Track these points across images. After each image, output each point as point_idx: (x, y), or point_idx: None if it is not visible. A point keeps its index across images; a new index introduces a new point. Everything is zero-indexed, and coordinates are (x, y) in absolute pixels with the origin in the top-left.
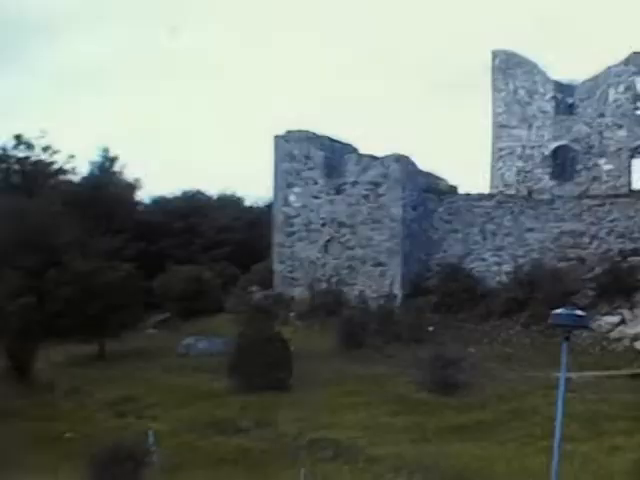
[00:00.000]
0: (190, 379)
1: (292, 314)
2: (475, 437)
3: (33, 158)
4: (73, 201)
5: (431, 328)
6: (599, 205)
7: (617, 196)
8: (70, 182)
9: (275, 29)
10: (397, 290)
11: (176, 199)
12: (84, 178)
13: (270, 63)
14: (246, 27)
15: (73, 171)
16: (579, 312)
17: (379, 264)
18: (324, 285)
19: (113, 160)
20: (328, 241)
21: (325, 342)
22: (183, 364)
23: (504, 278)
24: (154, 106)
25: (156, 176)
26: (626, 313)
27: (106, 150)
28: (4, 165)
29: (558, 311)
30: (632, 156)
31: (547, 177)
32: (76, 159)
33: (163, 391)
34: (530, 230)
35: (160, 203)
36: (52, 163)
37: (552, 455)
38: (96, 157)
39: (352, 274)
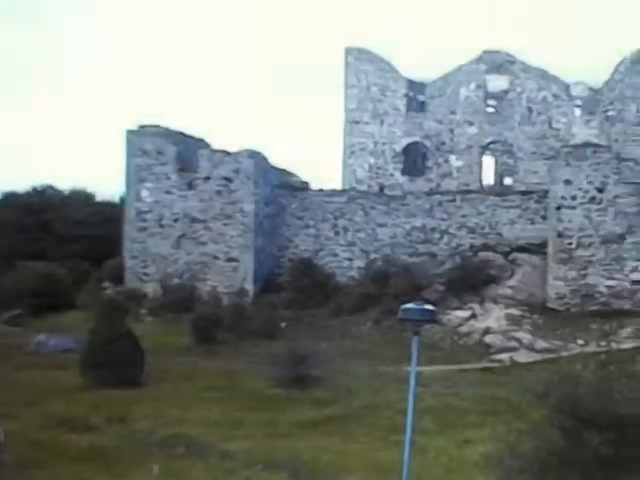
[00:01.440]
0: (41, 376)
1: (145, 310)
2: (328, 432)
3: None
4: None
5: (284, 324)
6: (450, 201)
7: (468, 192)
8: None
9: (126, 24)
10: (250, 286)
11: (27, 194)
12: None
13: (123, 58)
14: (95, 22)
15: None
16: (428, 307)
17: (231, 260)
18: (176, 281)
19: None
20: (180, 237)
21: (178, 338)
22: (34, 362)
23: (356, 274)
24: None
25: (6, 171)
26: (476, 307)
27: None
28: None
29: (407, 306)
30: (482, 153)
31: (398, 173)
32: None
33: (13, 389)
34: (382, 226)
35: (10, 198)
36: None
37: (404, 449)
38: None
39: (205, 270)
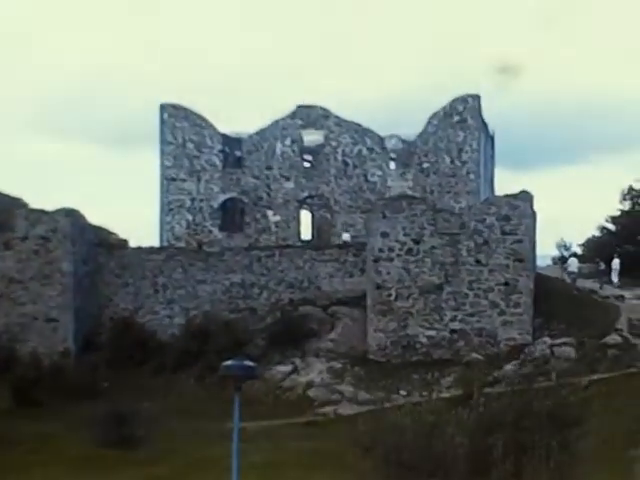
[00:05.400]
0: None
1: None
2: None
3: None
4: None
5: (106, 384)
6: (268, 256)
7: (286, 247)
8: None
9: None
10: (70, 346)
11: None
12: None
13: None
14: None
15: None
16: (248, 363)
17: (51, 320)
18: None
19: None
20: None
21: None
22: None
23: (177, 331)
24: None
25: None
26: (298, 362)
27: None
28: None
29: (228, 363)
30: (300, 207)
31: (217, 229)
32: None
33: None
34: (201, 282)
35: None
36: None
37: None
38: None
39: (24, 331)
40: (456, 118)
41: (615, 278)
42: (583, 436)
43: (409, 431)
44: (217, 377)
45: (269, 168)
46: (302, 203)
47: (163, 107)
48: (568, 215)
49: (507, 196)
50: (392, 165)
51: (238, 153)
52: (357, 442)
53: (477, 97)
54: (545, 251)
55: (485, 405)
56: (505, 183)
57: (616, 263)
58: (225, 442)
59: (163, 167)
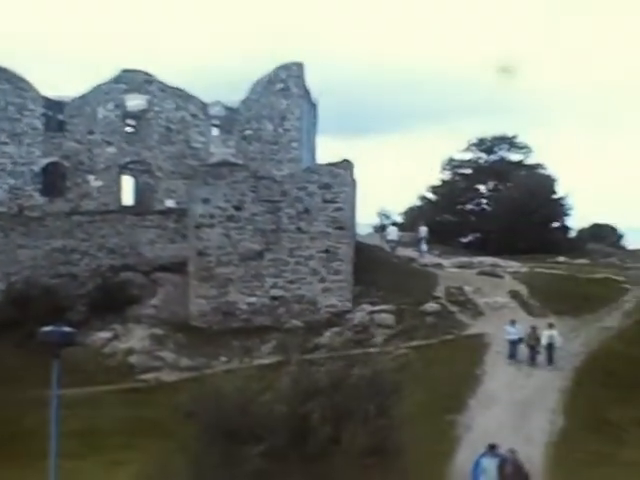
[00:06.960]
0: None
1: None
2: None
3: None
4: None
5: None
6: (89, 222)
7: (107, 212)
8: None
9: None
10: None
11: None
12: None
13: None
14: None
15: None
16: (67, 329)
17: None
18: None
19: None
20: None
21: None
22: None
23: None
24: None
25: None
26: (119, 328)
27: None
28: None
29: (46, 329)
30: (121, 172)
31: (38, 194)
32: None
33: None
34: (21, 247)
35: None
36: None
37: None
38: None
39: None
40: (279, 86)
41: (424, 246)
42: (401, 402)
43: (229, 397)
44: (37, 343)
45: (91, 133)
46: (124, 168)
47: None
48: (391, 184)
49: (328, 164)
50: (215, 132)
51: (60, 117)
52: (179, 408)
53: (300, 65)
54: (367, 219)
55: (303, 372)
56: (332, 151)
57: (423, 231)
58: (45, 409)
59: None
